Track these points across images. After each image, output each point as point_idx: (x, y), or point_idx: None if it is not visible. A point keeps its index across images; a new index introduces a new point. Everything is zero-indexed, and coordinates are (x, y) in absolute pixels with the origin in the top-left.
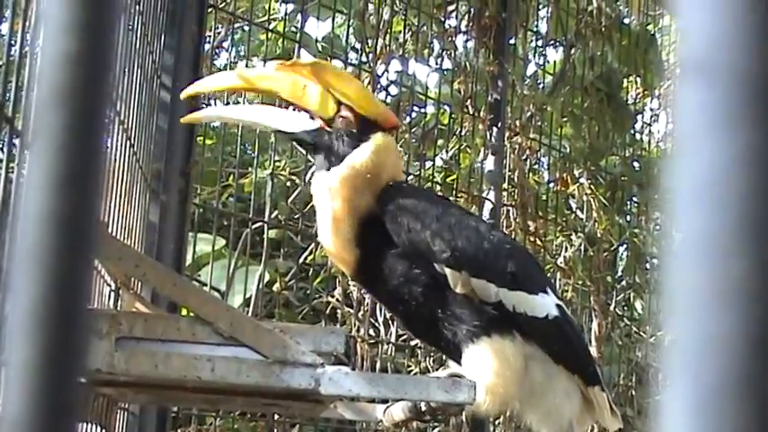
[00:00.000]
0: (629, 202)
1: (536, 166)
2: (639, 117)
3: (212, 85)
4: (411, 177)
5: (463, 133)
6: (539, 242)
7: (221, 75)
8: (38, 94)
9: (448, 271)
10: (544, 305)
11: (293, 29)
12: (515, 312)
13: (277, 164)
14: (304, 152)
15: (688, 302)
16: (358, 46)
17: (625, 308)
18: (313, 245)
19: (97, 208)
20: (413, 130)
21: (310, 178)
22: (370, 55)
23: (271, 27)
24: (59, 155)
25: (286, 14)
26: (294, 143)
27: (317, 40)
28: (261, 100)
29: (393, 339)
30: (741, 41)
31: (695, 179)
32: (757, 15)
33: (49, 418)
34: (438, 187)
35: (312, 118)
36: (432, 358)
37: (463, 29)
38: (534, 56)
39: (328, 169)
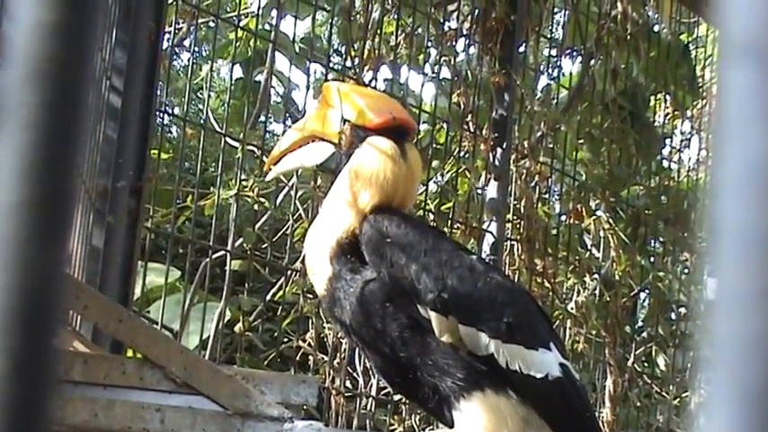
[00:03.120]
0: (653, 241)
1: (546, 195)
2: (668, 141)
3: (284, 148)
4: None
5: (462, 154)
6: (546, 284)
7: (288, 135)
8: (11, 68)
9: (433, 315)
10: (544, 363)
11: (267, 27)
12: (508, 369)
13: (243, 183)
14: None
15: (732, 299)
16: (342, 49)
17: (645, 364)
18: (283, 279)
19: (74, 196)
20: None
21: (282, 201)
22: (356, 59)
23: (241, 24)
24: (35, 136)
25: (259, 10)
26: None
27: (294, 41)
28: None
29: (373, 393)
30: None
31: (742, 166)
32: None
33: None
34: (431, 216)
35: (334, 144)
36: (418, 416)
37: (465, 32)
38: (547, 66)
39: None
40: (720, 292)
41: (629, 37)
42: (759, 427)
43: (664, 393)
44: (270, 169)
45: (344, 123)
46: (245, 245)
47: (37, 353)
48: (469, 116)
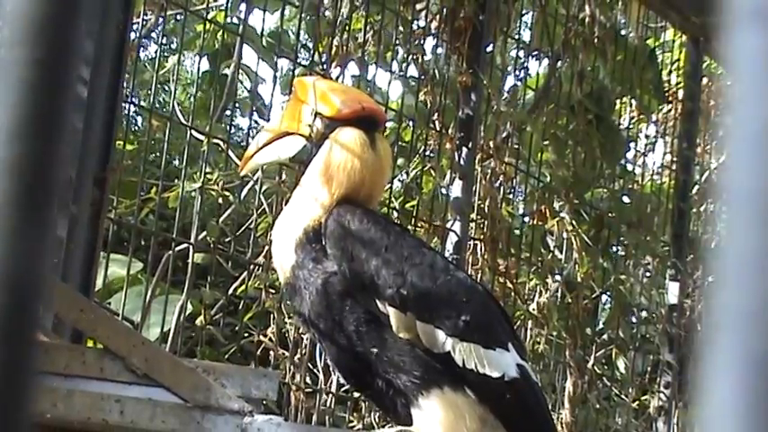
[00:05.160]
0: (615, 244)
1: (510, 196)
2: (632, 144)
3: (261, 143)
4: None
5: (427, 153)
6: (509, 284)
7: (262, 135)
8: (2, 26)
9: (391, 310)
10: (501, 363)
11: (235, 20)
12: (465, 367)
13: (208, 176)
14: None
15: (738, 268)
16: (310, 44)
17: (605, 366)
18: (245, 274)
19: (65, 156)
20: None
21: (246, 195)
22: (324, 55)
23: (209, 17)
24: (25, 95)
25: (228, 3)
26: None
27: (262, 35)
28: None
29: (333, 389)
30: None
31: (754, 131)
32: None
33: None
34: (395, 214)
35: (306, 137)
36: (377, 413)
37: (433, 31)
38: (514, 67)
39: None
40: (730, 258)
41: (596, 40)
42: (762, 394)
43: (623, 396)
44: (243, 168)
45: (315, 116)
46: (208, 238)
47: (21, 316)
48: (436, 115)
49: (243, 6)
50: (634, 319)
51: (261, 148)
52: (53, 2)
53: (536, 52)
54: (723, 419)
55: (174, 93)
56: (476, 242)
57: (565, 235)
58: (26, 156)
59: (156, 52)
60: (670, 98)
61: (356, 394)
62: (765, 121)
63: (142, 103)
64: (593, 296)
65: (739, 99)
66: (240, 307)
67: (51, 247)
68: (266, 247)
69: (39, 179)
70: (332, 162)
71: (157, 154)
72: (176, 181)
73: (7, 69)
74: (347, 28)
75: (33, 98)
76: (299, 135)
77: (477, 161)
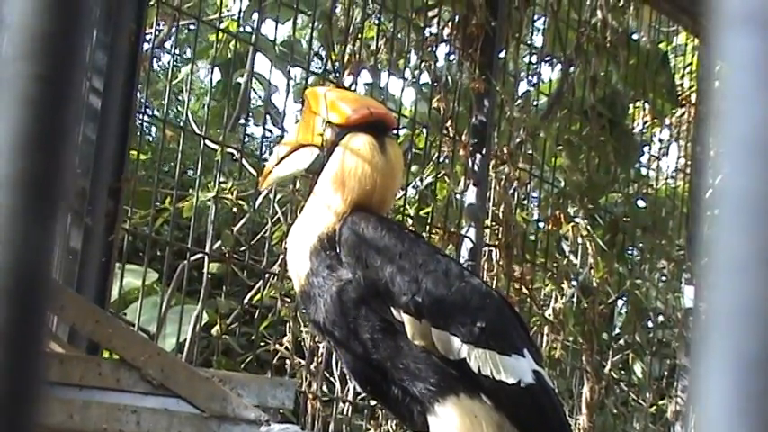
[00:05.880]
0: (630, 248)
1: (525, 201)
2: (646, 149)
3: (279, 157)
4: None
5: (441, 159)
6: (524, 290)
7: (279, 149)
8: (7, 42)
9: (406, 318)
10: (516, 369)
11: (248, 29)
12: (480, 374)
13: (223, 186)
14: None
15: (730, 268)
16: (323, 53)
17: (622, 371)
18: (261, 283)
19: (68, 170)
20: None
21: (260, 204)
22: (337, 63)
23: (222, 26)
24: (28, 110)
25: (240, 13)
26: None
27: (275, 44)
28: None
29: (350, 397)
30: None
31: (744, 134)
32: None
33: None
34: (410, 221)
35: (318, 146)
36: (394, 421)
37: (445, 38)
38: (527, 73)
39: None
40: (720, 258)
41: (608, 45)
42: (754, 394)
43: (640, 401)
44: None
45: (326, 125)
46: (223, 248)
47: (26, 327)
48: (449, 121)
49: (255, 16)
50: (650, 324)
51: (279, 161)
52: (55, 17)
53: (548, 58)
54: (716, 420)
55: (188, 102)
56: (491, 248)
57: (580, 240)
58: (29, 171)
59: (169, 62)
60: (683, 102)
61: (373, 402)
62: (758, 122)
63: (156, 113)
64: (609, 301)
65: (731, 101)
66: (256, 316)
67: (54, 260)
68: (281, 256)
69: (42, 194)
70: (343, 168)
71: (171, 164)
72: (191, 191)
73: (10, 84)
74: (360, 36)
75: (36, 113)
76: (313, 146)
77: (491, 167)
